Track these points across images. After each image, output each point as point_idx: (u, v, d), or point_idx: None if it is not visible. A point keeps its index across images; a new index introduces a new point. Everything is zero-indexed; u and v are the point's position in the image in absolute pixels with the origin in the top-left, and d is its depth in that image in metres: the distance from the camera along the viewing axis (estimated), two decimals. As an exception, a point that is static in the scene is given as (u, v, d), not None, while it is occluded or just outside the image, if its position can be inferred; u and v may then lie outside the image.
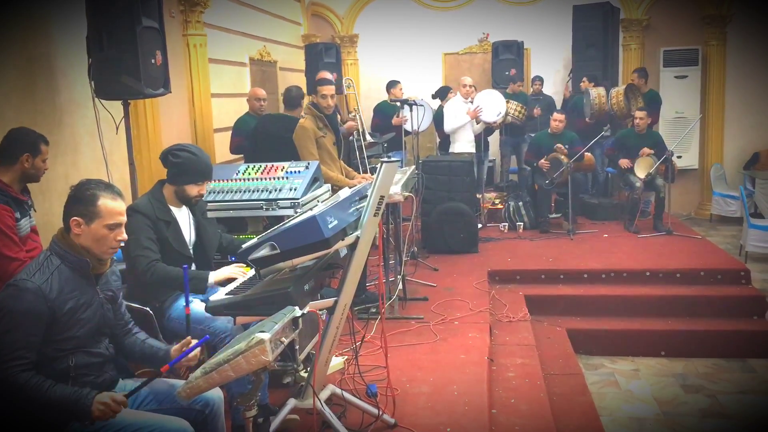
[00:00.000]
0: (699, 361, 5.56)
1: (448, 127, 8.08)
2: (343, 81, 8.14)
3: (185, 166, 3.52)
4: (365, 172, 6.96)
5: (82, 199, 2.55)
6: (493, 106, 8.10)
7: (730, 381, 5.23)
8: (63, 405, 2.35)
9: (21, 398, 2.35)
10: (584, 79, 9.01)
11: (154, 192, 3.58)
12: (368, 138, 7.29)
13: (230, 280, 3.35)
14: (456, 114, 7.96)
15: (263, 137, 6.10)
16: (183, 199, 3.60)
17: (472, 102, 8.03)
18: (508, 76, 9.57)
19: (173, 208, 3.56)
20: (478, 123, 8.10)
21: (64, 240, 2.56)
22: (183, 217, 3.61)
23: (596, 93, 8.50)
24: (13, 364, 2.34)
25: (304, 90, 7.36)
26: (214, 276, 3.38)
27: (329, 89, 5.42)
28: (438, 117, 8.57)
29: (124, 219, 2.62)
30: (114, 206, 2.57)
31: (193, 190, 3.57)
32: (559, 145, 7.75)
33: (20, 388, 2.33)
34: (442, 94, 9.12)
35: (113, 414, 2.37)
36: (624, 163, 7.79)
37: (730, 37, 9.80)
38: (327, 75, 6.92)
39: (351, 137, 7.08)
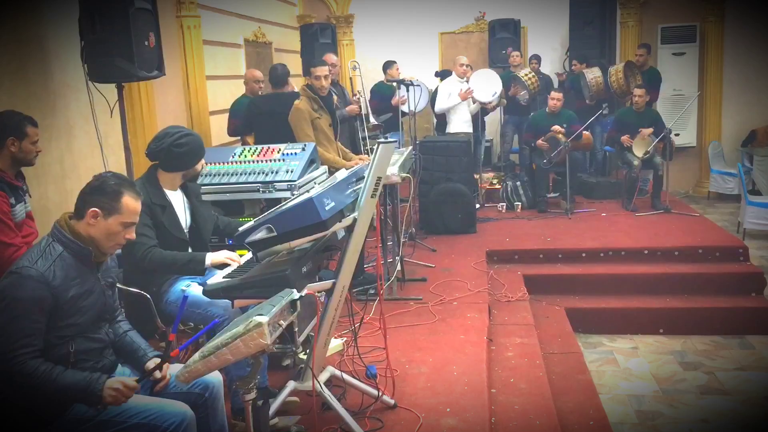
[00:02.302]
0: (697, 338, 5.58)
1: (438, 107, 8.05)
2: (349, 63, 8.11)
3: (192, 149, 3.53)
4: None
5: (106, 192, 2.52)
6: (489, 86, 8.04)
7: (728, 358, 5.25)
8: (73, 391, 2.35)
9: (30, 386, 2.34)
10: (574, 62, 8.97)
11: (149, 176, 3.55)
12: (372, 120, 7.26)
13: (226, 264, 3.34)
14: (449, 94, 7.92)
15: (258, 118, 6.07)
16: (192, 178, 3.65)
17: (467, 82, 7.98)
18: (505, 55, 9.51)
19: (168, 192, 3.54)
20: (474, 103, 8.06)
21: (69, 227, 2.52)
22: (178, 200, 3.59)
23: (592, 75, 8.45)
24: (21, 353, 2.32)
25: (298, 70, 7.31)
26: (210, 258, 3.37)
27: (322, 70, 5.39)
28: (435, 97, 8.52)
29: (138, 219, 2.62)
30: (134, 206, 2.57)
31: (198, 166, 3.63)
32: (555, 126, 7.70)
33: (29, 375, 2.32)
34: (445, 75, 9.06)
35: (125, 399, 2.37)
36: (625, 139, 7.74)
37: (728, 13, 9.73)
38: (332, 58, 6.87)
39: (356, 122, 7.06)
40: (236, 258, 3.35)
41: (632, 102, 7.95)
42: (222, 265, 3.33)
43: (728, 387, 4.79)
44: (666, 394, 4.70)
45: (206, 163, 4.07)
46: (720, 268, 6.12)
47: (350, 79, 7.88)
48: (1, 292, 2.36)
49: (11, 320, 2.33)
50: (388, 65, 8.75)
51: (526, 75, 8.70)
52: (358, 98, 7.19)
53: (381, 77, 8.90)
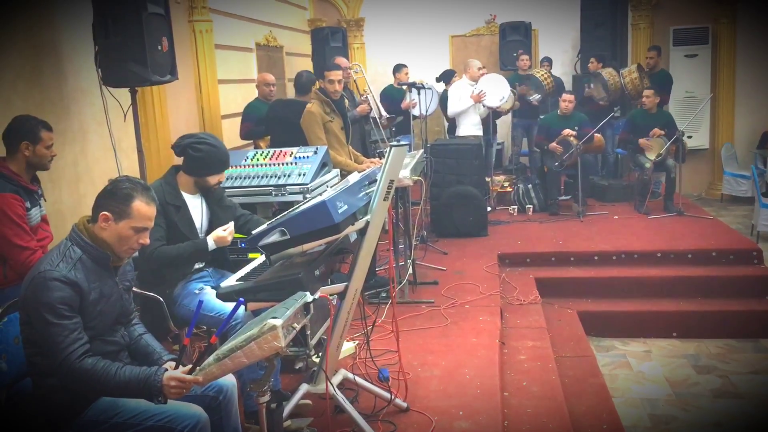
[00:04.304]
0: (711, 341, 5.55)
1: (451, 110, 8.05)
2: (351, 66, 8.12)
3: (206, 159, 3.54)
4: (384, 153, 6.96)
5: (116, 196, 2.52)
6: (496, 90, 8.02)
7: (742, 361, 5.21)
8: (133, 386, 2.36)
9: (90, 384, 2.37)
10: (592, 59, 8.93)
11: (167, 177, 3.60)
12: (384, 114, 7.26)
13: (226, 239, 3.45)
14: (460, 97, 7.91)
15: (275, 123, 6.09)
16: (203, 189, 3.64)
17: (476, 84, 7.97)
18: (516, 58, 9.50)
19: (186, 194, 3.57)
20: (483, 107, 8.04)
21: (87, 230, 2.53)
22: (195, 204, 3.62)
23: (608, 74, 8.41)
24: (72, 350, 2.34)
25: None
26: (212, 241, 3.44)
27: (336, 74, 5.40)
28: (444, 100, 8.53)
29: (152, 224, 2.60)
30: (146, 211, 2.55)
31: (213, 179, 3.62)
32: (566, 130, 7.68)
33: (88, 374, 2.34)
34: (447, 77, 9.06)
35: (186, 391, 2.37)
36: (644, 142, 7.69)
37: (740, 14, 9.65)
38: (344, 62, 6.88)
39: (368, 125, 7.06)
40: (229, 228, 3.45)
41: (642, 104, 7.92)
42: (223, 241, 3.43)
43: (742, 390, 4.76)
44: (679, 398, 4.67)
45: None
46: (734, 271, 6.08)
47: (354, 81, 7.89)
48: (31, 301, 2.38)
49: (50, 325, 2.34)
50: (397, 69, 8.78)
51: (542, 75, 8.68)
52: (366, 98, 7.18)
53: (391, 80, 8.92)
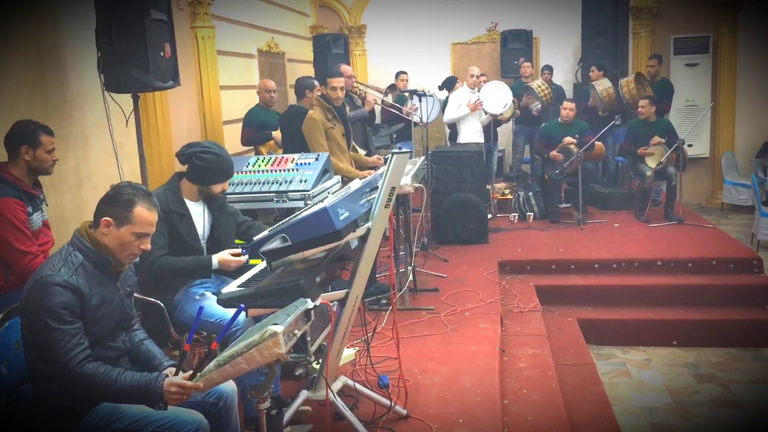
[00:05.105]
0: (711, 350, 5.54)
1: (447, 117, 8.07)
2: None
3: (211, 168, 3.55)
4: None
5: (118, 201, 2.52)
6: (499, 97, 8.03)
7: (742, 370, 5.21)
8: (134, 391, 2.37)
9: (91, 389, 2.38)
10: (593, 68, 8.95)
11: (171, 184, 3.60)
12: (383, 89, 7.26)
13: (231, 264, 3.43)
14: (459, 104, 7.93)
15: (285, 127, 6.10)
16: (207, 197, 3.64)
17: (479, 92, 7.99)
18: (517, 65, 9.52)
19: (189, 202, 3.58)
20: (485, 114, 8.06)
21: (89, 236, 2.54)
22: (198, 211, 3.62)
23: (602, 87, 8.43)
24: (73, 355, 2.35)
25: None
26: (216, 259, 3.43)
27: (339, 81, 5.43)
28: (446, 107, 8.54)
29: (153, 230, 2.61)
30: (148, 216, 2.56)
31: (217, 188, 3.63)
32: (567, 138, 7.69)
33: (89, 379, 2.35)
34: (449, 84, 9.08)
35: (187, 398, 2.38)
36: (643, 151, 7.70)
37: (741, 23, 9.69)
38: (347, 69, 6.89)
39: (370, 128, 7.07)
40: (237, 253, 3.43)
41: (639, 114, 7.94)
42: (227, 265, 3.40)
43: (742, 400, 4.76)
44: (679, 407, 4.66)
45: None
46: (734, 279, 6.08)
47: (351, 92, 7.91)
48: (33, 305, 2.38)
49: (51, 329, 2.34)
50: (395, 76, 8.79)
51: (539, 86, 8.70)
52: (359, 91, 7.16)
53: (393, 87, 8.95)
